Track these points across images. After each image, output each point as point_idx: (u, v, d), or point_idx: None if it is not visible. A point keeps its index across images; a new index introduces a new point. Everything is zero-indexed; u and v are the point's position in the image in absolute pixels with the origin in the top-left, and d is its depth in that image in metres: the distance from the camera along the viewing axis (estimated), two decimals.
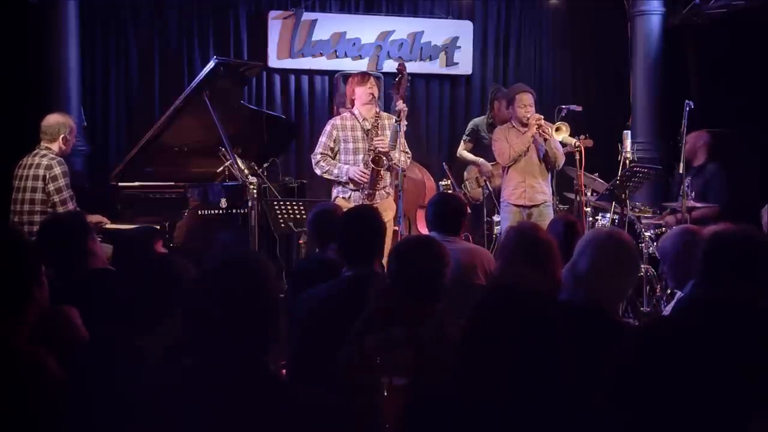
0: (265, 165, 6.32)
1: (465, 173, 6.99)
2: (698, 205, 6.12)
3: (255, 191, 5.47)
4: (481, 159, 6.81)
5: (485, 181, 6.60)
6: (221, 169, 5.84)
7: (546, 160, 5.86)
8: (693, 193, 6.24)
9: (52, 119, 5.31)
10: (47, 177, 5.16)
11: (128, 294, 2.27)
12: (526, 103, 5.88)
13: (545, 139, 5.80)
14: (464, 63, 7.98)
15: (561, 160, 5.89)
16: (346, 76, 6.46)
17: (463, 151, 6.99)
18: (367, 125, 5.48)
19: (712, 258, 2.30)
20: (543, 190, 5.86)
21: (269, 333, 1.83)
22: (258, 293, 1.82)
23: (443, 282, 2.60)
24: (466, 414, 1.89)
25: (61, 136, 5.28)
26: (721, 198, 6.16)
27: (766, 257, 2.30)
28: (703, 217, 5.84)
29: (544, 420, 1.92)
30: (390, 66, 7.50)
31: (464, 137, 7.05)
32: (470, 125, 7.08)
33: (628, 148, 6.80)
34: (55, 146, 5.28)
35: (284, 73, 7.75)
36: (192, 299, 1.84)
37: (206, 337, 1.80)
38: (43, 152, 5.24)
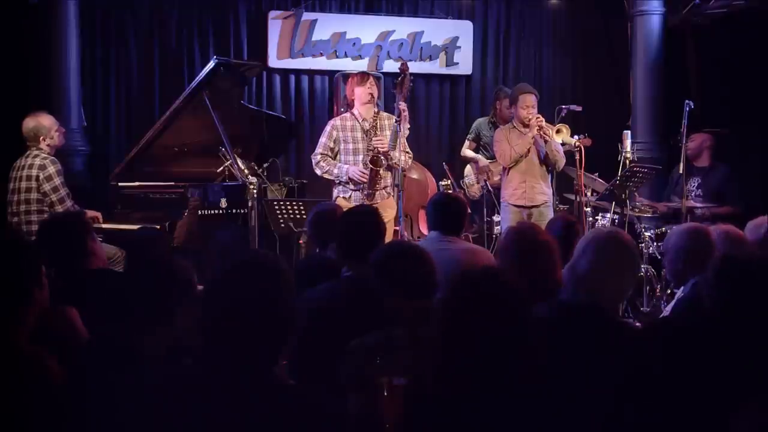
0: (265, 165, 6.32)
1: (465, 169, 7.02)
2: (700, 205, 6.13)
3: (255, 191, 5.47)
4: (479, 156, 6.84)
5: (485, 180, 6.60)
6: (221, 169, 5.84)
7: (546, 161, 5.86)
8: (701, 193, 6.24)
9: (29, 124, 5.30)
10: (41, 177, 5.17)
11: (128, 294, 2.27)
12: (528, 104, 5.88)
13: (546, 141, 5.80)
14: (464, 63, 7.98)
15: (561, 162, 5.89)
16: (346, 76, 6.46)
17: (465, 150, 7.01)
18: (367, 125, 5.48)
19: (723, 285, 2.28)
20: (543, 191, 5.86)
21: (280, 338, 1.83)
22: (278, 298, 1.82)
23: (432, 279, 2.59)
24: (465, 414, 1.89)
25: (41, 137, 5.28)
26: (741, 200, 6.16)
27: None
28: (722, 216, 5.84)
29: (544, 420, 1.92)
30: (390, 66, 7.51)
31: (468, 136, 7.07)
32: (474, 125, 7.10)
33: (628, 148, 6.80)
34: (42, 146, 5.28)
35: (284, 73, 7.75)
36: (212, 299, 1.83)
37: (218, 337, 1.79)
38: (35, 153, 5.26)
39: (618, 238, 2.69)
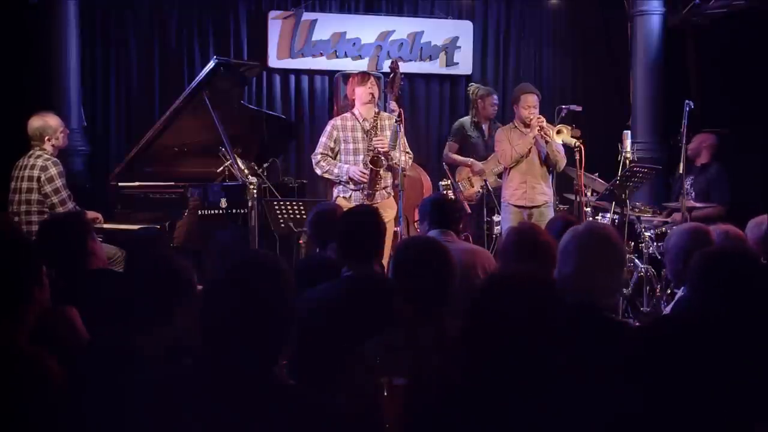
0: (265, 165, 6.32)
1: (456, 174, 6.92)
2: (698, 204, 6.12)
3: (255, 191, 5.47)
4: (471, 159, 6.77)
5: (485, 180, 6.59)
6: (221, 169, 5.84)
7: (547, 161, 5.85)
8: (694, 193, 6.24)
9: (34, 124, 5.29)
10: (42, 178, 5.17)
11: (128, 294, 2.27)
12: (530, 104, 5.87)
13: (546, 142, 5.79)
14: (464, 63, 7.99)
15: (562, 163, 5.88)
16: (346, 76, 6.45)
17: (450, 153, 6.90)
18: (367, 125, 5.48)
19: (706, 282, 2.28)
20: (544, 191, 5.86)
21: (280, 338, 1.82)
22: (278, 298, 1.82)
23: (452, 287, 2.56)
24: (465, 415, 1.89)
25: (46, 138, 5.27)
26: (724, 198, 6.17)
27: (760, 280, 2.29)
28: (706, 217, 5.85)
29: (545, 420, 1.92)
30: None
31: (450, 138, 6.98)
32: (456, 125, 7.04)
33: (628, 148, 6.80)
34: (47, 146, 5.28)
35: (284, 73, 7.76)
36: (212, 299, 1.83)
37: (218, 337, 1.79)
38: (38, 153, 5.26)
39: (599, 233, 2.66)
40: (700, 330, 2.21)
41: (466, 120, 7.01)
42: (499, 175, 6.62)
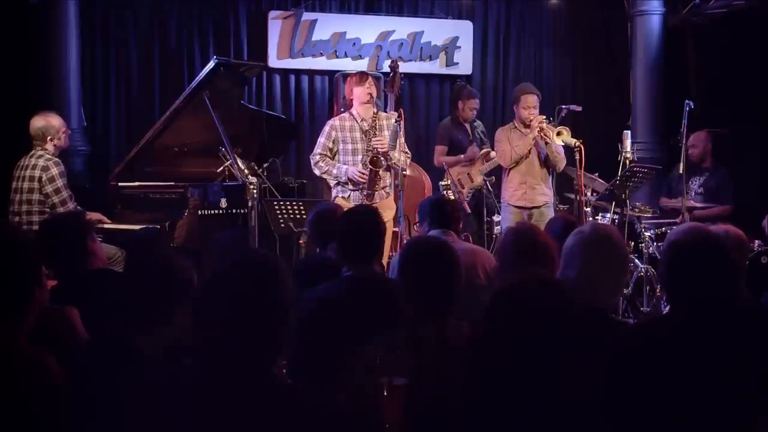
0: (265, 165, 6.32)
1: (445, 176, 6.82)
2: (700, 205, 6.13)
3: (255, 191, 5.47)
4: (461, 156, 6.66)
5: (485, 180, 6.57)
6: (221, 169, 5.85)
7: (547, 162, 5.85)
8: (702, 191, 6.25)
9: (36, 124, 5.29)
10: (44, 178, 5.17)
11: (128, 294, 2.27)
12: (530, 104, 5.86)
13: (546, 143, 5.78)
14: (464, 63, 7.99)
15: (561, 164, 5.87)
16: (346, 76, 6.45)
17: (440, 157, 6.73)
18: (366, 125, 5.48)
19: (677, 274, 2.28)
20: (544, 192, 5.86)
21: (278, 338, 1.82)
22: (277, 298, 1.82)
23: (458, 288, 2.56)
24: (467, 415, 1.89)
25: (48, 138, 5.28)
26: (733, 199, 6.18)
27: (723, 257, 2.29)
28: (715, 216, 5.85)
29: (548, 420, 1.92)
30: None
31: (441, 142, 6.81)
32: (441, 128, 6.98)
33: (628, 148, 6.79)
34: (48, 146, 5.29)
35: (284, 73, 7.76)
36: (211, 298, 1.83)
37: (216, 337, 1.79)
38: (39, 153, 5.26)
39: (601, 236, 2.67)
40: (673, 329, 2.21)
41: (447, 120, 6.95)
42: (487, 174, 6.59)
